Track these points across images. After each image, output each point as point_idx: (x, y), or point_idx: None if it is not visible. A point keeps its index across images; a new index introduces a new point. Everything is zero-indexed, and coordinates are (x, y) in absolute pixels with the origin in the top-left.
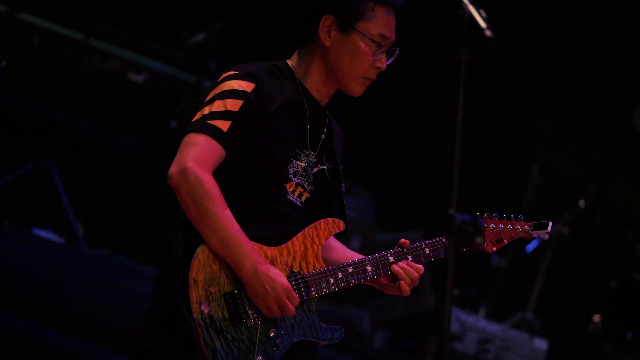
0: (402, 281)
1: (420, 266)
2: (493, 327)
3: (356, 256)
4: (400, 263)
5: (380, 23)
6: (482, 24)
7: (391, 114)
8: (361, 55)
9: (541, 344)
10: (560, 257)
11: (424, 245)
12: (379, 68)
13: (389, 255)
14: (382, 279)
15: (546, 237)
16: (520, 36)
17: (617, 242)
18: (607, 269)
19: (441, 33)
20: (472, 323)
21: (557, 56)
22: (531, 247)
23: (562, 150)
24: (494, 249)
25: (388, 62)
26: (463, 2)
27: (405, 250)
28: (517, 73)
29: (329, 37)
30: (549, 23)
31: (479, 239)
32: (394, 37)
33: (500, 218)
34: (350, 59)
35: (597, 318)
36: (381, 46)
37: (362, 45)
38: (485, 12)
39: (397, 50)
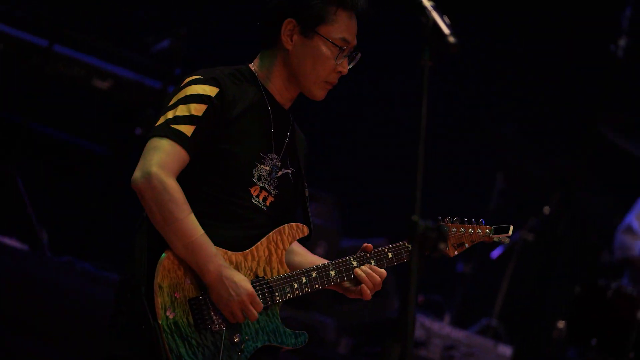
0: (364, 285)
1: (383, 270)
2: (458, 333)
3: (320, 261)
4: (363, 267)
5: (342, 27)
6: (446, 30)
7: (356, 121)
8: (323, 59)
9: (506, 350)
10: (524, 264)
11: (386, 250)
12: (340, 72)
13: (352, 259)
14: (345, 283)
15: (507, 240)
16: (485, 42)
17: (582, 248)
18: (571, 275)
19: (405, 39)
20: (436, 329)
21: (522, 62)
22: (496, 253)
23: (527, 156)
24: (456, 252)
25: (349, 67)
26: (427, 8)
27: (368, 254)
28: (482, 79)
29: (291, 40)
30: (514, 29)
31: (442, 245)
32: (355, 42)
33: (462, 222)
34: (312, 62)
35: (561, 324)
36: (343, 50)
37: (324, 49)
38: (449, 18)
39: (359, 55)
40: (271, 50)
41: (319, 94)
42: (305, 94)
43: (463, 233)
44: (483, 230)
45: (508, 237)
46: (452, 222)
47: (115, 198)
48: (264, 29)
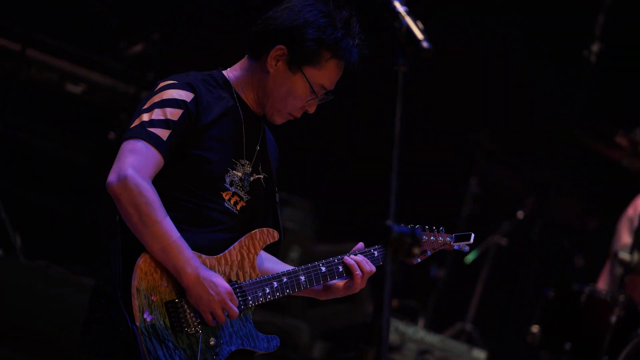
0: (355, 275)
1: (372, 265)
2: (432, 338)
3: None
4: (353, 257)
5: (326, 76)
6: (419, 35)
7: (330, 126)
8: (296, 96)
9: (480, 354)
10: (498, 268)
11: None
12: (307, 111)
13: (320, 265)
14: (331, 283)
15: (467, 248)
16: (458, 47)
17: (555, 253)
18: (545, 280)
19: (379, 44)
20: (411, 334)
21: (495, 67)
22: (470, 258)
23: (501, 161)
24: (418, 260)
25: (318, 103)
26: (400, 13)
27: (336, 260)
28: (455, 84)
29: (275, 65)
30: (487, 34)
31: (416, 250)
32: (332, 88)
33: (423, 230)
34: (285, 94)
35: (535, 328)
36: (317, 96)
37: (301, 87)
38: (423, 23)
39: (331, 97)
40: (255, 63)
41: (279, 120)
42: (266, 115)
43: (425, 241)
44: (444, 238)
45: (468, 244)
46: None
47: (89, 202)
48: (255, 40)
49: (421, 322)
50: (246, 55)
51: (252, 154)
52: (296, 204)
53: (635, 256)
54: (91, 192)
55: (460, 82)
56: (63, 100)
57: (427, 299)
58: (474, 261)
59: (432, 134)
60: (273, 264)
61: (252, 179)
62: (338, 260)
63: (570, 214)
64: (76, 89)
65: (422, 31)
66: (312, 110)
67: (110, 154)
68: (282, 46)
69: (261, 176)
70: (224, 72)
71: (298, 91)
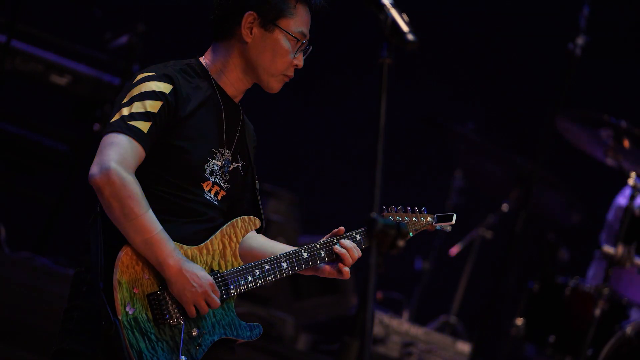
0: (341, 263)
1: (359, 251)
2: (416, 330)
3: (282, 247)
4: (342, 243)
5: (300, 21)
6: (404, 28)
7: (315, 118)
8: (282, 52)
9: (464, 346)
10: (483, 261)
11: (335, 240)
12: (296, 65)
13: (303, 251)
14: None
15: (449, 229)
16: (444, 39)
17: (540, 245)
18: (529, 273)
19: (365, 36)
20: (395, 326)
21: (481, 60)
22: (454, 250)
23: (485, 154)
24: None
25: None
26: (385, 6)
27: (318, 245)
28: (441, 76)
29: (251, 33)
30: (472, 27)
31: (401, 242)
32: (309, 36)
33: (405, 211)
34: (271, 55)
35: (519, 321)
36: (302, 44)
37: (283, 42)
38: (408, 16)
39: (311, 48)
40: (227, 42)
41: (276, 86)
42: (262, 86)
43: (407, 222)
44: (426, 219)
45: (451, 225)
46: (395, 212)
47: (74, 194)
48: (220, 22)
49: (405, 314)
50: (213, 41)
51: (232, 143)
52: (280, 196)
53: (619, 249)
54: (75, 183)
55: (446, 75)
56: (48, 91)
57: (411, 291)
58: (459, 254)
59: (417, 127)
60: (262, 242)
61: (231, 167)
62: (320, 245)
63: (555, 207)
64: (61, 80)
65: (407, 23)
66: (301, 63)
67: (95, 146)
68: (250, 12)
69: (240, 164)
70: (201, 59)
71: (283, 47)
